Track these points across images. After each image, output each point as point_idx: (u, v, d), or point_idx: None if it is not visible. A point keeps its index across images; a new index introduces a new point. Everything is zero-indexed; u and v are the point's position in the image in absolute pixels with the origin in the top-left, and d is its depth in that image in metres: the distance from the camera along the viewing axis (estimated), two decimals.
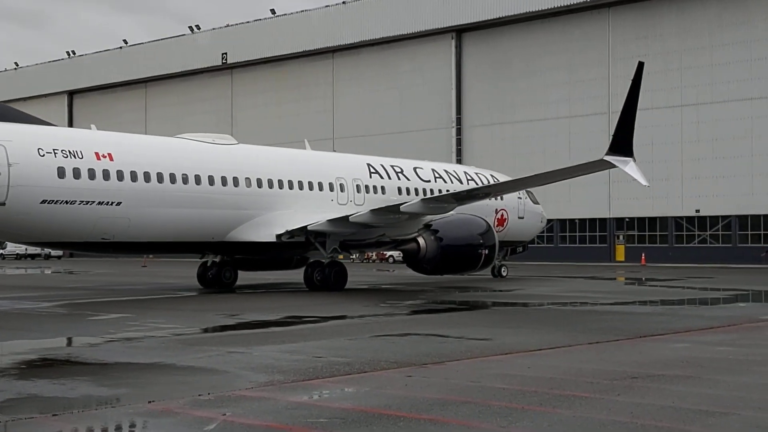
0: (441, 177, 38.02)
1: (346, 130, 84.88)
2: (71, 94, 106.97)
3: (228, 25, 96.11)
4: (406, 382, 10.68)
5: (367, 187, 34.47)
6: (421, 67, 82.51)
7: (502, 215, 38.96)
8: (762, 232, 66.61)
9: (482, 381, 10.78)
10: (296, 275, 33.89)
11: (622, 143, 25.14)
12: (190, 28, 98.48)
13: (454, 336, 15.94)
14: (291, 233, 30.46)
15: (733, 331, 17.08)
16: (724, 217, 67.88)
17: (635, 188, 67.40)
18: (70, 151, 26.12)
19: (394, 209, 29.80)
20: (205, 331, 17.42)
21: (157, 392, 10.01)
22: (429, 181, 37.21)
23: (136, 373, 11.59)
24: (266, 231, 30.61)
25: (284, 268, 35.75)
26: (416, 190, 36.12)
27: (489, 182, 39.47)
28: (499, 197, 38.21)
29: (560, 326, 18.22)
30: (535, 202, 42.23)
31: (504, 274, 40.22)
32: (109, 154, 27.09)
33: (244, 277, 35.29)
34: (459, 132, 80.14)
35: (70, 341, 16.08)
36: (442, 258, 30.80)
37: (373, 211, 29.95)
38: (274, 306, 24.11)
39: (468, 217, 32.36)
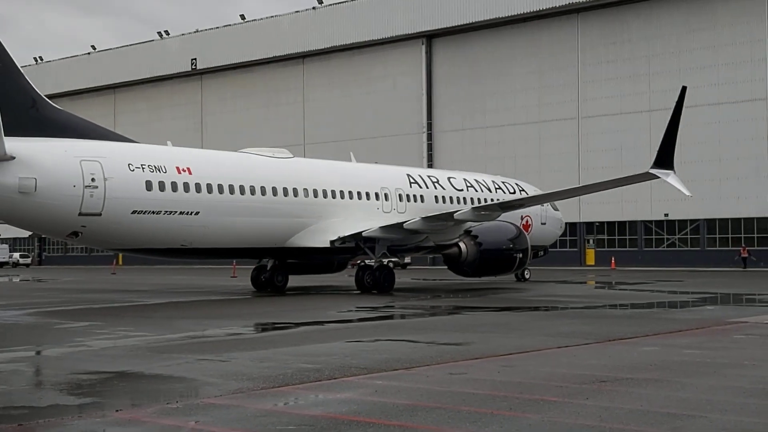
0: (472, 186, 40.42)
1: (317, 135, 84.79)
2: None
3: (197, 31, 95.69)
4: (376, 388, 10.67)
5: (408, 196, 36.92)
6: (391, 73, 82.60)
7: (526, 221, 40.47)
8: (730, 236, 67.28)
9: (452, 386, 10.79)
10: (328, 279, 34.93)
11: (665, 157, 28.90)
12: (159, 33, 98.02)
13: (425, 341, 15.94)
14: (343, 239, 32.89)
15: (701, 334, 17.20)
16: (692, 221, 68.50)
17: (604, 193, 67.91)
18: (155, 166, 28.54)
19: (446, 217, 32.62)
20: (175, 338, 17.28)
21: (125, 401, 9.93)
22: (462, 190, 39.60)
23: (104, 382, 11.48)
24: (321, 237, 33.09)
25: (326, 271, 38.76)
26: (450, 198, 38.54)
27: (515, 191, 42.20)
28: None
29: (530, 330, 18.27)
30: (556, 209, 44.23)
31: (527, 276, 41.18)
32: (188, 168, 29.57)
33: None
34: (430, 137, 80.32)
35: (37, 350, 15.91)
36: (482, 262, 33.55)
37: (425, 218, 32.63)
38: (246, 312, 24.04)
39: (502, 223, 34.77)
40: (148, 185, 28.05)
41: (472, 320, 21.25)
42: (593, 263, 71.65)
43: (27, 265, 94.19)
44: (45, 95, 27.86)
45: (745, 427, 8.46)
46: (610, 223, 72.12)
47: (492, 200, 38.90)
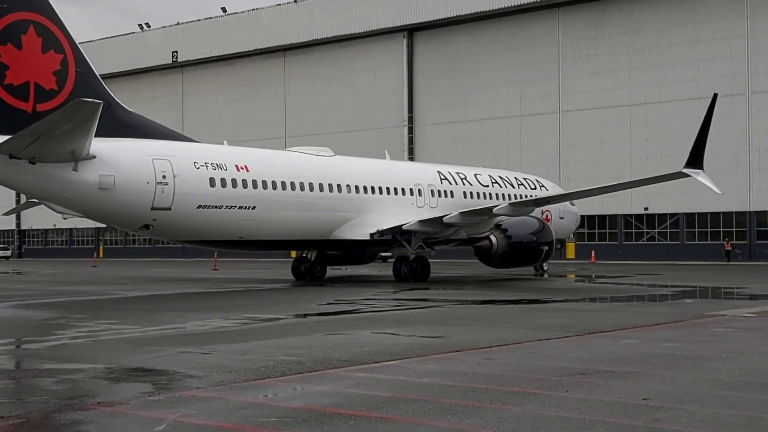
0: (497, 182, 42.44)
1: (298, 128, 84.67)
2: None
3: (178, 23, 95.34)
4: (357, 381, 10.69)
5: (439, 191, 39.26)
6: (373, 66, 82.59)
7: (546, 216, 41.87)
8: (709, 230, 67.72)
9: (433, 379, 10.82)
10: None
11: (696, 158, 31.17)
12: (140, 26, 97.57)
13: (406, 334, 15.98)
14: (382, 232, 35.21)
15: (680, 327, 17.32)
16: (672, 215, 68.93)
17: (584, 187, 68.21)
18: (217, 164, 30.84)
19: (483, 211, 34.54)
20: (157, 331, 17.24)
21: (107, 393, 9.91)
22: (487, 186, 41.63)
23: (86, 374, 11.45)
24: (361, 230, 35.37)
25: (360, 262, 41.86)
26: (477, 194, 40.50)
27: (536, 186, 44.32)
28: None
29: (511, 323, 18.35)
30: (572, 204, 45.92)
31: (545, 268, 42.12)
32: (246, 166, 31.85)
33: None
34: (411, 131, 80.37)
35: (17, 343, 15.83)
36: (511, 254, 35.70)
37: (462, 212, 34.82)
38: (226, 305, 24.01)
39: (528, 218, 36.56)
40: (212, 182, 30.30)
41: (453, 313, 21.30)
42: (573, 257, 71.94)
43: (7, 258, 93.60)
44: None
45: (723, 419, 8.53)
46: (590, 217, 72.39)
47: (515, 195, 41.35)
